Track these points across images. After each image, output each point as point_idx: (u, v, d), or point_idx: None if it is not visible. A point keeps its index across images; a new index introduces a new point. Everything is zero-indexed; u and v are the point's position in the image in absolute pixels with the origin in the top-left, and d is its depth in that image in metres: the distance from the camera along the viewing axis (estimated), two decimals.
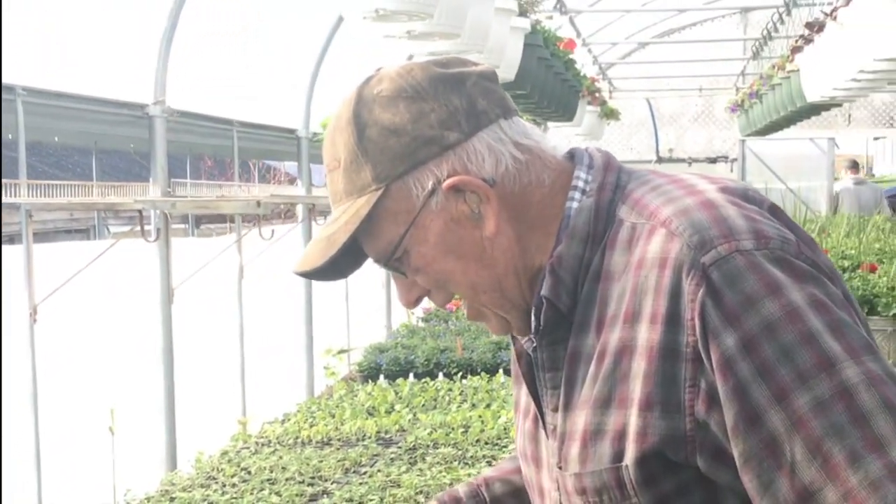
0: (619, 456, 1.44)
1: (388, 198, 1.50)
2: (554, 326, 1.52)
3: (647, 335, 1.41)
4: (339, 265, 1.54)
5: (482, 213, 1.50)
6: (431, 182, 1.49)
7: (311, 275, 1.55)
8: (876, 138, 40.83)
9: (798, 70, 9.65)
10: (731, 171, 20.94)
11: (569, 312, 1.51)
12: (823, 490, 1.31)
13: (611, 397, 1.45)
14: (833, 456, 1.30)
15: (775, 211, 1.50)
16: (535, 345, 1.56)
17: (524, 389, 1.67)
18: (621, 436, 1.44)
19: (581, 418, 1.49)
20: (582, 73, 11.01)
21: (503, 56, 5.90)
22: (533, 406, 1.63)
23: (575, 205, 1.53)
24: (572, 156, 1.59)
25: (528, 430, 1.68)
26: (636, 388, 1.42)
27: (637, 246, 1.46)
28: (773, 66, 11.41)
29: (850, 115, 20.85)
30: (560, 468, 1.53)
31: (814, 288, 1.37)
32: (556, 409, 1.55)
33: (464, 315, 7.82)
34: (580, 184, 1.54)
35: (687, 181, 1.53)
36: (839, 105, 12.05)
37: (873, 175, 45.90)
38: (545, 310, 1.51)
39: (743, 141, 20.59)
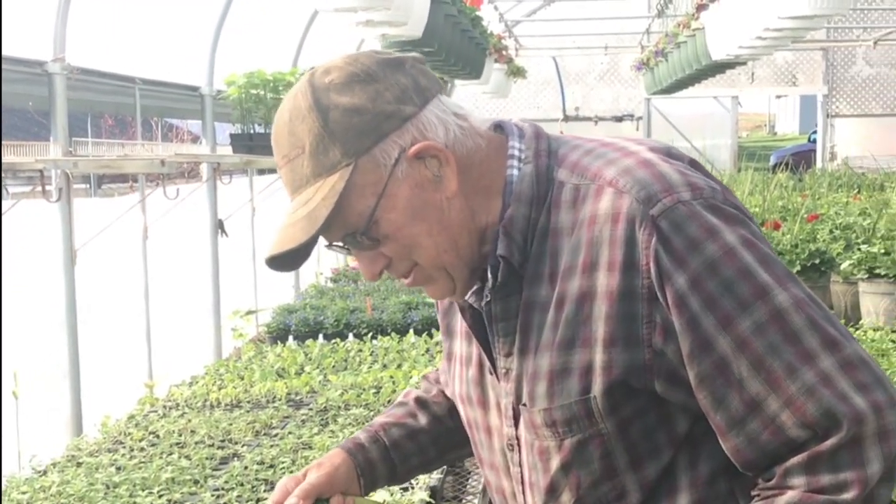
0: (586, 389, 1.63)
1: (357, 172, 1.62)
2: (507, 281, 1.69)
3: (606, 281, 1.60)
4: (309, 247, 1.64)
5: (442, 176, 1.66)
6: (397, 151, 1.63)
7: (290, 256, 1.64)
8: (778, 96, 41.45)
9: (703, 28, 9.71)
10: (637, 129, 21.13)
11: (520, 267, 1.68)
12: (767, 399, 1.54)
13: (574, 338, 1.63)
14: (774, 370, 1.54)
15: (695, 164, 1.72)
16: (487, 299, 1.72)
17: (458, 341, 1.90)
18: (588, 371, 1.63)
19: (545, 360, 1.66)
20: (488, 31, 10.98)
21: (410, 13, 5.84)
22: (476, 354, 1.83)
23: (515, 172, 1.70)
24: (499, 127, 1.76)
25: (471, 377, 1.85)
26: (599, 329, 1.61)
27: (585, 204, 1.64)
28: (679, 25, 11.47)
29: (753, 74, 21.12)
30: (524, 405, 1.71)
31: (742, 229, 1.59)
32: (508, 354, 1.72)
33: None
34: (515, 152, 1.71)
35: (616, 144, 1.72)
36: (743, 63, 12.16)
37: (776, 133, 46.61)
38: (501, 268, 1.68)
39: (648, 100, 20.78)
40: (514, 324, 1.71)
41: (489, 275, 1.70)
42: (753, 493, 1.60)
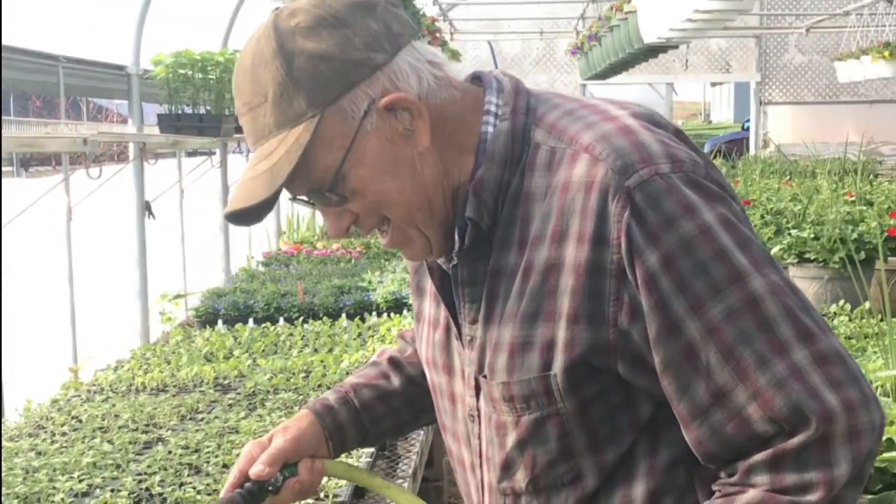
0: (547, 365, 1.56)
1: (324, 124, 1.53)
2: (475, 244, 1.61)
3: (574, 253, 1.52)
4: (271, 202, 1.54)
5: (414, 130, 1.56)
6: (366, 103, 1.54)
7: (251, 212, 1.55)
8: (713, 84, 41.81)
9: (635, 11, 9.75)
10: None
11: (489, 231, 1.60)
12: (735, 390, 1.46)
13: (538, 312, 1.56)
14: (743, 360, 1.45)
15: (680, 134, 1.60)
16: (454, 262, 1.64)
17: (427, 302, 1.82)
18: (549, 347, 1.55)
19: (507, 331, 1.59)
20: (422, 13, 10.92)
21: None
22: (444, 318, 1.74)
23: (491, 129, 1.61)
24: (477, 78, 1.68)
25: (438, 341, 1.77)
26: (564, 303, 1.53)
27: (559, 169, 1.55)
28: (612, 8, 11.50)
29: (687, 61, 21.24)
30: (485, 377, 1.64)
31: (722, 207, 1.50)
32: (474, 322, 1.65)
33: (305, 258, 7.65)
34: (492, 108, 1.62)
35: (598, 106, 1.62)
36: (675, 47, 12.22)
37: (711, 122, 47.03)
38: (469, 230, 1.60)
39: (584, 85, 20.83)
40: (480, 290, 1.63)
41: (457, 237, 1.62)
42: (714, 487, 1.54)
